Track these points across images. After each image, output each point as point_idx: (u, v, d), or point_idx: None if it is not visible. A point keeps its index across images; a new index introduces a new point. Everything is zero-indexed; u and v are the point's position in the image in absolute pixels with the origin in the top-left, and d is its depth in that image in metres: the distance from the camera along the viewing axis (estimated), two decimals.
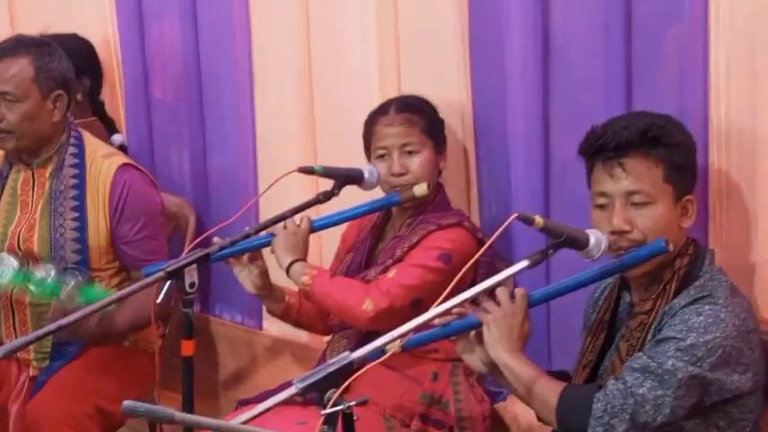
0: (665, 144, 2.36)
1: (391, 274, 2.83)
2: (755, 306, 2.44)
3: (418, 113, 3.00)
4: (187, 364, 2.55)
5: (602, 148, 2.37)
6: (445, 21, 3.18)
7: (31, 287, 3.17)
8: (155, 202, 3.41)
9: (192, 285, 2.53)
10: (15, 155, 3.29)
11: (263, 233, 2.82)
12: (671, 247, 2.24)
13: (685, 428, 2.24)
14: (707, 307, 2.22)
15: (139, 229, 3.30)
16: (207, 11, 3.91)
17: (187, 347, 2.54)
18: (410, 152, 2.93)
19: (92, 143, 3.42)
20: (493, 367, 2.32)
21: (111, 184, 3.28)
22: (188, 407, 2.52)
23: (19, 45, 3.22)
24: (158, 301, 2.61)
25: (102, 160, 3.32)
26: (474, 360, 2.36)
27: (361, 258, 3.04)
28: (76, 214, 3.31)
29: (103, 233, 3.28)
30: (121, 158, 3.41)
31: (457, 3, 3.11)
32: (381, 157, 2.95)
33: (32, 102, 3.14)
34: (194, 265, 2.52)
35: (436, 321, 2.26)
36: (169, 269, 2.47)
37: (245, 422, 1.91)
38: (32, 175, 3.35)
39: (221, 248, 2.67)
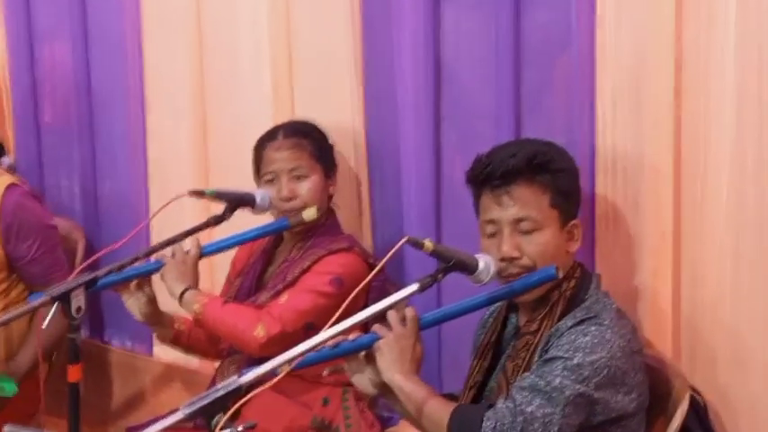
0: (551, 170, 2.38)
1: (283, 299, 2.83)
2: (639, 329, 2.47)
3: (307, 138, 3.01)
4: (73, 390, 2.46)
5: (489, 176, 2.38)
6: (339, 47, 3.19)
7: None
8: (47, 217, 3.40)
9: (78, 310, 2.45)
10: None
11: (152, 258, 2.79)
12: (560, 274, 2.27)
13: None
14: (593, 328, 2.24)
15: (38, 246, 3.29)
16: (98, 32, 3.88)
17: (73, 373, 2.45)
18: (298, 177, 2.94)
19: None
20: (383, 389, 2.32)
21: (1, 205, 3.23)
22: (77, 422, 2.46)
23: None
24: (43, 326, 2.55)
25: None
26: (363, 382, 2.34)
27: (251, 283, 3.03)
28: None
29: None
30: (8, 179, 3.36)
31: (350, 29, 3.13)
32: (270, 181, 2.94)
33: None
34: (81, 290, 2.45)
35: (327, 344, 2.24)
36: (54, 294, 2.41)
37: None
38: None
39: (109, 273, 2.62)
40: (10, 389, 3.18)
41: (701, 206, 2.55)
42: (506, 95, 2.77)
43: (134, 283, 2.80)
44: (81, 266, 2.95)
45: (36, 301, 2.48)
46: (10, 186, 3.31)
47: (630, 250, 2.63)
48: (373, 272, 2.36)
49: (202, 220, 2.86)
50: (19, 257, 3.26)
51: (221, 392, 1.88)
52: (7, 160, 3.91)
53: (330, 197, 2.98)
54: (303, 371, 2.52)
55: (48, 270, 3.29)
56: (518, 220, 2.32)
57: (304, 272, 2.86)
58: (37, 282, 3.27)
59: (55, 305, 2.42)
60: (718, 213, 2.53)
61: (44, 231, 3.36)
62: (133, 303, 2.83)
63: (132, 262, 2.70)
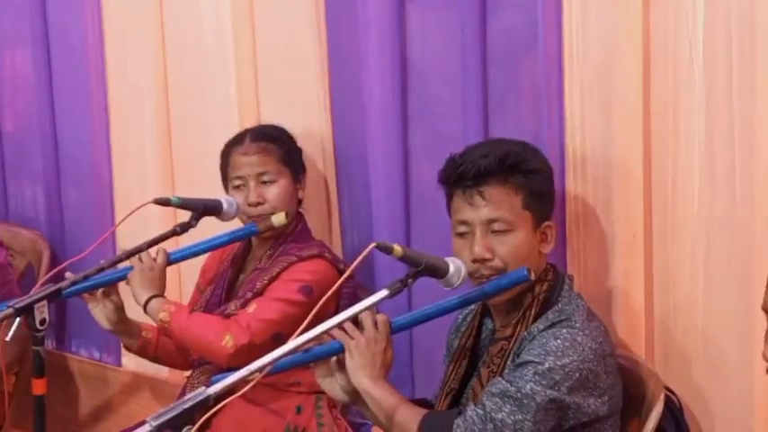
0: (524, 171, 2.37)
1: (251, 308, 2.83)
2: (611, 331, 2.48)
3: (274, 142, 3.00)
4: (39, 403, 2.48)
5: (462, 176, 2.38)
6: (304, 51, 3.20)
7: None
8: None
9: (42, 322, 2.45)
10: None
11: (119, 266, 2.77)
12: (533, 276, 2.27)
13: None
14: (564, 330, 2.25)
15: None
16: (60, 39, 3.86)
17: (38, 386, 2.47)
18: (266, 182, 2.94)
19: None
20: (353, 395, 2.32)
21: None
22: None
23: None
24: (7, 339, 2.51)
25: None
26: (334, 388, 2.35)
27: (222, 291, 3.04)
28: None
29: None
30: None
31: (316, 33, 3.14)
32: (238, 187, 2.94)
33: None
34: (44, 302, 2.46)
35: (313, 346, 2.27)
36: (18, 306, 2.41)
37: None
38: None
39: (74, 283, 2.61)
40: None
41: (672, 207, 2.57)
42: (474, 96, 2.78)
43: (100, 291, 2.79)
44: (45, 278, 3.01)
45: None
46: None
47: (602, 251, 2.65)
48: (341, 279, 2.37)
49: (169, 227, 2.86)
50: None
51: (189, 404, 1.86)
52: None
53: (299, 201, 2.99)
54: (274, 379, 2.55)
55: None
56: (490, 221, 2.32)
57: (272, 280, 2.87)
58: None
59: (18, 319, 2.41)
60: (689, 214, 2.54)
61: None
62: (99, 311, 2.82)
63: (98, 272, 2.68)
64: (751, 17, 2.41)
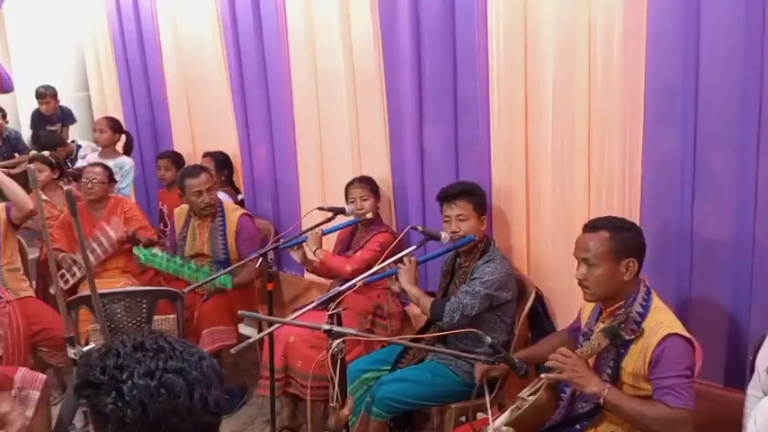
0: (476, 194, 2.34)
1: (358, 254, 2.82)
2: (512, 263, 2.41)
3: (369, 183, 2.84)
4: (270, 295, 2.48)
5: (446, 196, 2.32)
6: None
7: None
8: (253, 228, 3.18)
9: (271, 260, 2.57)
10: None
11: (304, 235, 2.67)
12: (476, 238, 2.32)
13: (483, 317, 2.26)
14: (492, 263, 2.28)
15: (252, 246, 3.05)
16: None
17: (269, 286, 2.48)
18: (364, 198, 2.79)
19: None
20: (402, 292, 2.36)
21: (237, 224, 3.08)
22: (270, 313, 2.46)
23: None
24: (256, 266, 2.75)
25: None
26: (395, 287, 2.39)
27: (345, 246, 2.95)
28: None
29: None
30: (240, 210, 3.17)
31: None
32: (352, 201, 2.79)
33: None
34: (271, 251, 2.56)
35: (383, 271, 2.22)
36: (260, 252, 2.52)
37: (294, 317, 1.99)
38: None
39: (286, 242, 2.65)
40: (226, 281, 2.87)
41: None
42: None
43: (296, 246, 2.72)
44: (271, 241, 3.04)
45: (253, 256, 2.54)
46: (243, 215, 3.15)
47: (510, 224, 2.57)
48: (394, 242, 2.46)
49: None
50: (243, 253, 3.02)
51: (333, 293, 1.92)
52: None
53: (378, 207, 2.89)
54: (369, 285, 2.47)
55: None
56: (459, 215, 2.32)
57: (366, 242, 2.84)
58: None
59: (260, 259, 2.51)
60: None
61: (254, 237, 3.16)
62: (295, 255, 2.77)
63: (297, 236, 2.71)
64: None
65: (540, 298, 2.42)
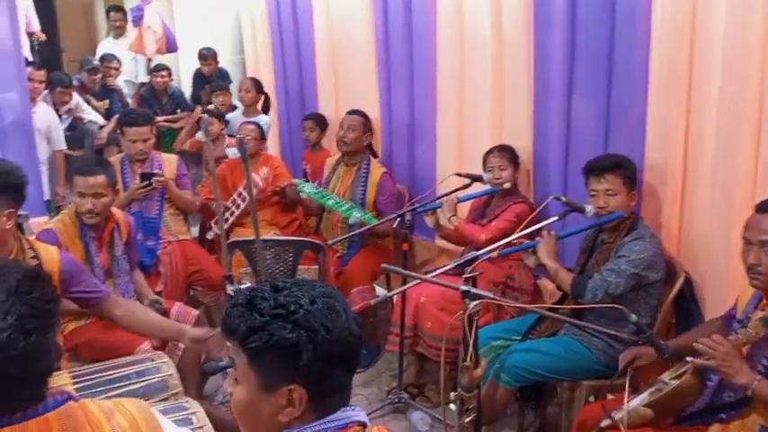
0: (626, 167, 2.29)
1: (493, 223, 2.83)
2: (664, 243, 2.37)
3: (508, 152, 2.84)
4: (405, 255, 2.68)
5: (593, 169, 2.31)
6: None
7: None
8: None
9: (409, 223, 2.63)
10: None
11: (439, 201, 2.74)
12: (625, 214, 2.29)
13: (627, 296, 2.21)
14: (640, 241, 2.23)
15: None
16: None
17: (405, 246, 2.67)
18: (503, 167, 2.79)
19: None
20: (540, 265, 2.35)
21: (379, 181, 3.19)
22: (405, 268, 2.46)
23: None
24: (394, 226, 2.73)
25: None
26: (531, 260, 2.36)
27: (479, 215, 2.96)
28: None
29: None
30: (382, 168, 3.28)
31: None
32: (489, 170, 2.81)
33: None
34: (409, 213, 2.65)
35: (518, 243, 2.24)
36: (399, 213, 2.65)
37: (431, 276, 2.03)
38: None
39: (420, 206, 2.71)
40: (368, 218, 3.05)
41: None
42: None
43: (430, 211, 2.78)
44: (408, 203, 3.04)
45: (391, 216, 2.69)
46: (385, 173, 3.25)
47: (660, 202, 2.44)
48: (533, 213, 2.46)
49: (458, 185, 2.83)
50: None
51: (468, 257, 2.00)
52: None
53: (516, 178, 2.86)
54: (503, 255, 2.33)
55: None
56: (607, 190, 2.29)
57: (502, 212, 2.84)
58: None
59: (398, 220, 2.62)
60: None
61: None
62: (429, 220, 2.82)
63: (432, 201, 2.80)
64: None
65: (688, 282, 2.32)
